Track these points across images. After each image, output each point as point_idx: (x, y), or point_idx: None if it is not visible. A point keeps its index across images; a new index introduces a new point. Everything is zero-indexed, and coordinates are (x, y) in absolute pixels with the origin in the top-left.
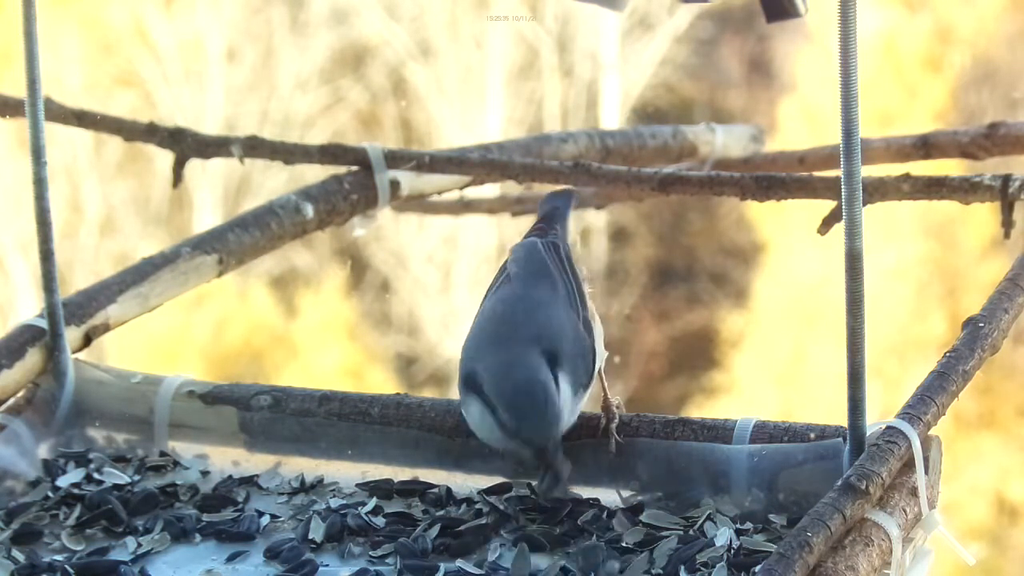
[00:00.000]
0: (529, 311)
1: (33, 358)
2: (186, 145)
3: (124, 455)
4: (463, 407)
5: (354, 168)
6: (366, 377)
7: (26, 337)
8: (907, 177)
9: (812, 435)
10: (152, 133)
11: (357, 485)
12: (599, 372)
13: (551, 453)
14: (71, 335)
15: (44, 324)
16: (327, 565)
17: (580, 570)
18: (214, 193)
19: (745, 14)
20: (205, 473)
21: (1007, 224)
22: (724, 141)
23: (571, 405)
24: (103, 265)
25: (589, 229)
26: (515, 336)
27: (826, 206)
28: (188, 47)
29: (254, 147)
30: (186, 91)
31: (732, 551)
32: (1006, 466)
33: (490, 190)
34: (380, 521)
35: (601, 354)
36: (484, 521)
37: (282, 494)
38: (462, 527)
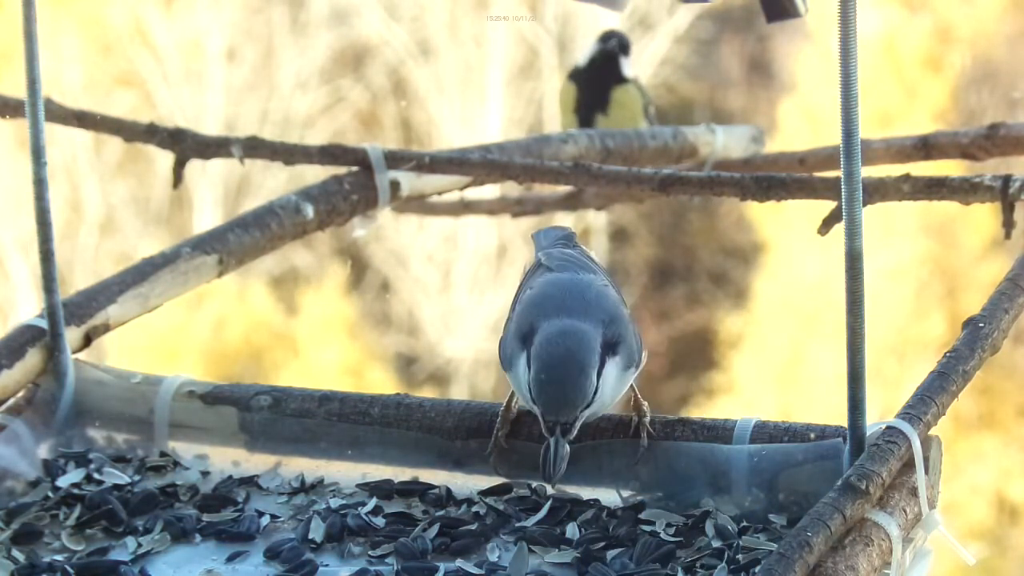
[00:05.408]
0: (586, 288)
1: (33, 358)
2: (186, 145)
3: (124, 455)
4: (511, 361)
5: (354, 168)
6: (366, 376)
7: (26, 337)
8: (907, 177)
9: (812, 435)
10: (152, 133)
11: (357, 485)
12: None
13: (560, 432)
14: (71, 335)
15: (44, 324)
16: (327, 565)
17: None
18: (214, 193)
19: (745, 14)
20: (205, 473)
21: (1007, 224)
22: (724, 142)
23: (615, 382)
24: (103, 265)
25: (589, 229)
26: (575, 307)
27: (826, 206)
28: (188, 47)
29: (254, 147)
30: (186, 91)
31: (732, 551)
32: (1006, 466)
33: (490, 191)
34: (380, 521)
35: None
36: (484, 522)
37: (282, 494)
38: (462, 527)
